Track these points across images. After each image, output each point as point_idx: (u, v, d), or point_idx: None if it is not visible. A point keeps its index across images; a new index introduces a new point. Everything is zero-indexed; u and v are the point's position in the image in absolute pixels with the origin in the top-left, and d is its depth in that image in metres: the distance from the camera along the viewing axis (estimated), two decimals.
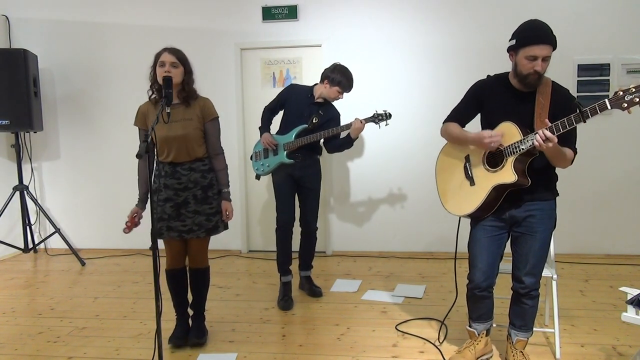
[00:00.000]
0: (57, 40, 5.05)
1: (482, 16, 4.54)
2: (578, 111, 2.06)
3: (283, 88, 3.69)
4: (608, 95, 4.38)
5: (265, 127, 3.60)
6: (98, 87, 5.07)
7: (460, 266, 4.20)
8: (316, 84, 3.58)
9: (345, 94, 3.53)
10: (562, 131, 2.12)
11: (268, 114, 3.65)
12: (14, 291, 4.01)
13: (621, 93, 1.99)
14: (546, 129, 2.15)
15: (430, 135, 4.58)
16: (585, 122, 2.06)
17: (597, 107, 2.03)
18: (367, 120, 3.44)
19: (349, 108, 4.22)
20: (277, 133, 3.60)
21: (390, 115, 3.49)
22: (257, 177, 3.70)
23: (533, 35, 2.21)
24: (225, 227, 2.93)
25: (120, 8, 4.95)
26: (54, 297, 3.83)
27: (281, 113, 3.67)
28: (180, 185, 2.76)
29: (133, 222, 2.78)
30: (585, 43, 4.44)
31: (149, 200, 2.82)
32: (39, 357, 2.85)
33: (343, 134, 3.52)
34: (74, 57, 5.05)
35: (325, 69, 3.52)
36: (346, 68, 3.50)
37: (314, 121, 3.49)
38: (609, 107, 2.01)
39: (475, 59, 4.55)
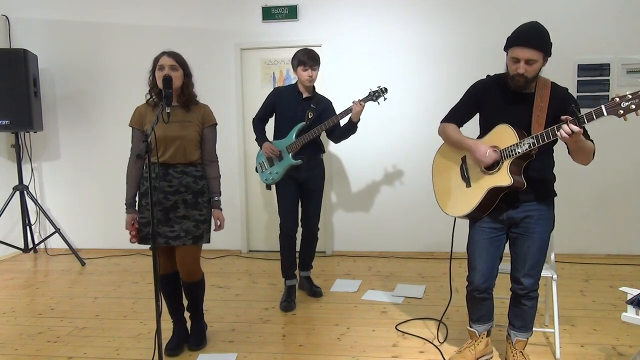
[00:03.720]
0: (57, 40, 5.05)
1: (482, 16, 4.54)
2: (574, 117, 2.06)
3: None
4: (608, 96, 4.41)
5: (261, 137, 3.56)
6: (98, 87, 5.07)
7: (460, 266, 4.20)
8: (297, 82, 3.53)
9: (315, 69, 3.41)
10: (557, 136, 2.12)
11: (260, 124, 3.60)
12: (14, 291, 4.01)
13: (617, 99, 1.97)
14: (539, 134, 2.16)
15: (429, 135, 4.57)
16: (580, 128, 2.05)
17: (593, 113, 2.02)
18: (365, 99, 3.40)
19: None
20: (274, 139, 3.57)
21: (386, 89, 3.43)
22: (268, 187, 3.65)
23: (517, 37, 2.22)
24: (208, 240, 2.79)
25: (121, 8, 4.95)
26: (54, 297, 3.83)
27: (271, 121, 3.61)
28: (171, 189, 2.69)
29: (136, 230, 2.72)
30: (585, 43, 4.44)
31: (136, 203, 2.77)
32: (39, 357, 2.85)
33: (344, 121, 3.48)
34: (74, 57, 5.05)
35: None
36: (302, 49, 3.45)
37: (309, 116, 3.45)
38: (605, 113, 2.00)
39: (474, 60, 4.55)
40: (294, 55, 3.45)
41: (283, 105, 3.52)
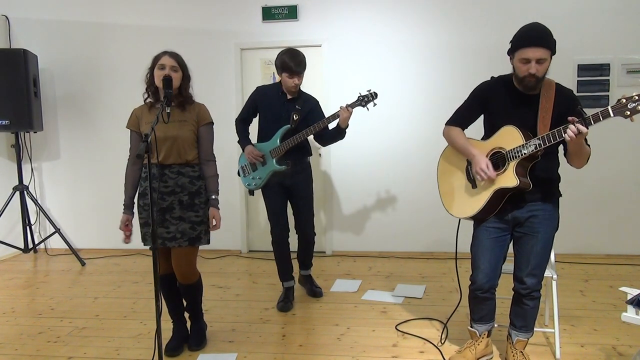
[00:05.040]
0: (57, 40, 5.05)
1: (482, 17, 4.54)
2: (581, 118, 2.05)
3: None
4: (608, 96, 4.42)
5: (244, 140, 3.39)
6: (98, 87, 5.07)
7: (460, 266, 4.20)
8: (280, 80, 3.32)
9: (302, 76, 3.22)
10: (563, 137, 2.12)
11: (242, 125, 3.42)
12: (14, 291, 4.01)
13: (624, 101, 1.97)
14: (546, 135, 2.16)
15: (429, 135, 4.58)
16: (587, 129, 2.05)
17: (599, 115, 2.01)
18: (353, 105, 3.20)
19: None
20: (258, 141, 3.40)
21: (376, 94, 3.22)
22: (251, 192, 3.49)
23: (525, 38, 2.21)
24: (208, 241, 2.76)
25: (121, 8, 4.96)
26: (54, 297, 3.83)
27: (255, 121, 3.47)
28: (167, 189, 2.67)
29: (129, 231, 2.72)
30: (585, 43, 4.44)
31: (135, 205, 2.77)
32: (39, 357, 2.85)
33: (332, 124, 3.28)
34: (74, 57, 5.05)
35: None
36: (289, 49, 3.22)
37: (294, 118, 3.26)
38: (612, 114, 2.00)
39: (474, 60, 4.55)
40: (278, 56, 3.23)
41: (266, 106, 3.34)
